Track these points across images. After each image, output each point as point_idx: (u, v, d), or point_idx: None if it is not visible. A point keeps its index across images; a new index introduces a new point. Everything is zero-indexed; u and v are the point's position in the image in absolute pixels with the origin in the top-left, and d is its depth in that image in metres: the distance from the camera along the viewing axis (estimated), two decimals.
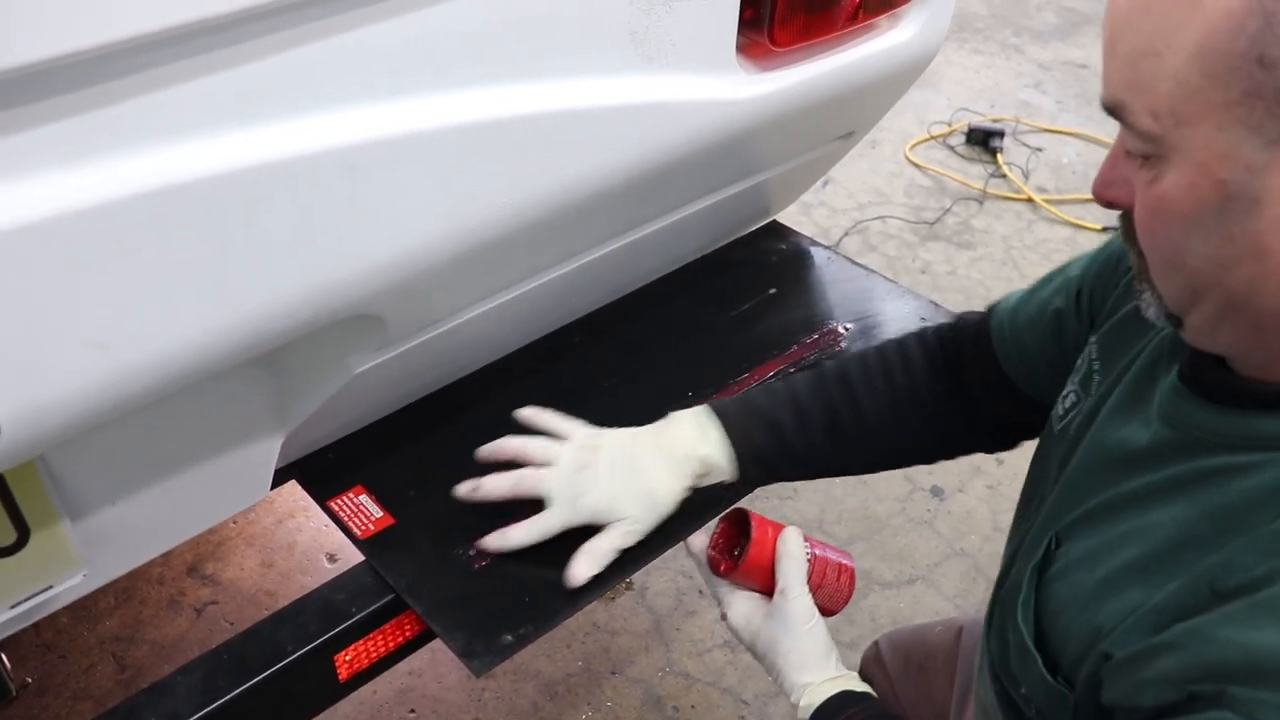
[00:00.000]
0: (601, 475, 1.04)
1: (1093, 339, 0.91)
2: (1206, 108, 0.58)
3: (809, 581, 0.99)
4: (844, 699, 0.92)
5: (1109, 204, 0.69)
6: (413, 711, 1.79)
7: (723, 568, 1.03)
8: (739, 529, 1.05)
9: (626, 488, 1.03)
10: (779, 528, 1.02)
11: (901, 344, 1.11)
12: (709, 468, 1.05)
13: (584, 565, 1.02)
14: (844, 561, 1.05)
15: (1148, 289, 0.70)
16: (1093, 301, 0.95)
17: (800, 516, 2.16)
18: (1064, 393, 0.92)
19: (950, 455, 1.13)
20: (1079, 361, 0.91)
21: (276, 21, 0.75)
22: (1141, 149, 0.63)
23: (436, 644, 1.05)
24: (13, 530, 0.88)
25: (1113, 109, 0.64)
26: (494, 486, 1.05)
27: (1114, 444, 0.80)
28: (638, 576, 2.01)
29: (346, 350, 1.02)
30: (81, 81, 0.68)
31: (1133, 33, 0.61)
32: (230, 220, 0.76)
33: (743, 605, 1.01)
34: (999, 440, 1.13)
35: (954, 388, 1.08)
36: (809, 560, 1.00)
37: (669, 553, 1.12)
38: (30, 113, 0.66)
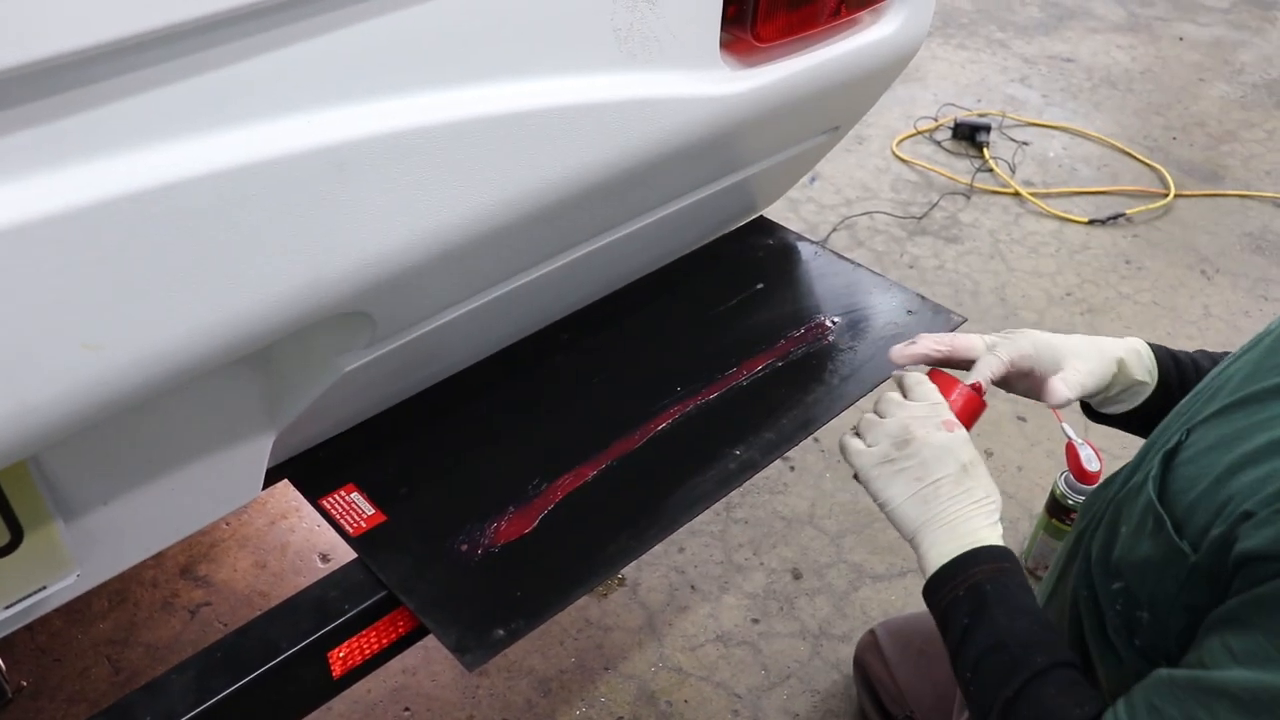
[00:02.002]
0: (1053, 339, 1.11)
1: None
2: None
3: None
4: (1006, 553, 0.94)
5: None
6: (408, 710, 1.80)
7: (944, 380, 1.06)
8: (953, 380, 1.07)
9: (1073, 340, 1.11)
10: None
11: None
12: (1145, 360, 1.12)
13: (1062, 388, 1.07)
14: None
15: None
16: None
17: (791, 510, 2.17)
18: None
19: None
20: None
21: (262, 22, 0.76)
22: None
23: (430, 642, 1.06)
24: (6, 531, 0.89)
25: None
26: (927, 340, 1.11)
27: (1261, 353, 0.87)
28: (630, 572, 2.02)
29: (336, 349, 1.03)
30: (70, 82, 0.68)
31: None
32: (220, 219, 0.77)
33: (965, 431, 1.02)
34: None
35: None
36: None
37: (660, 548, 1.13)
38: (19, 114, 0.67)
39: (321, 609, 1.04)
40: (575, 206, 1.07)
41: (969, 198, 3.22)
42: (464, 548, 1.08)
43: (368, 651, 1.07)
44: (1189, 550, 0.83)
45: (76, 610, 1.90)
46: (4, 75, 0.63)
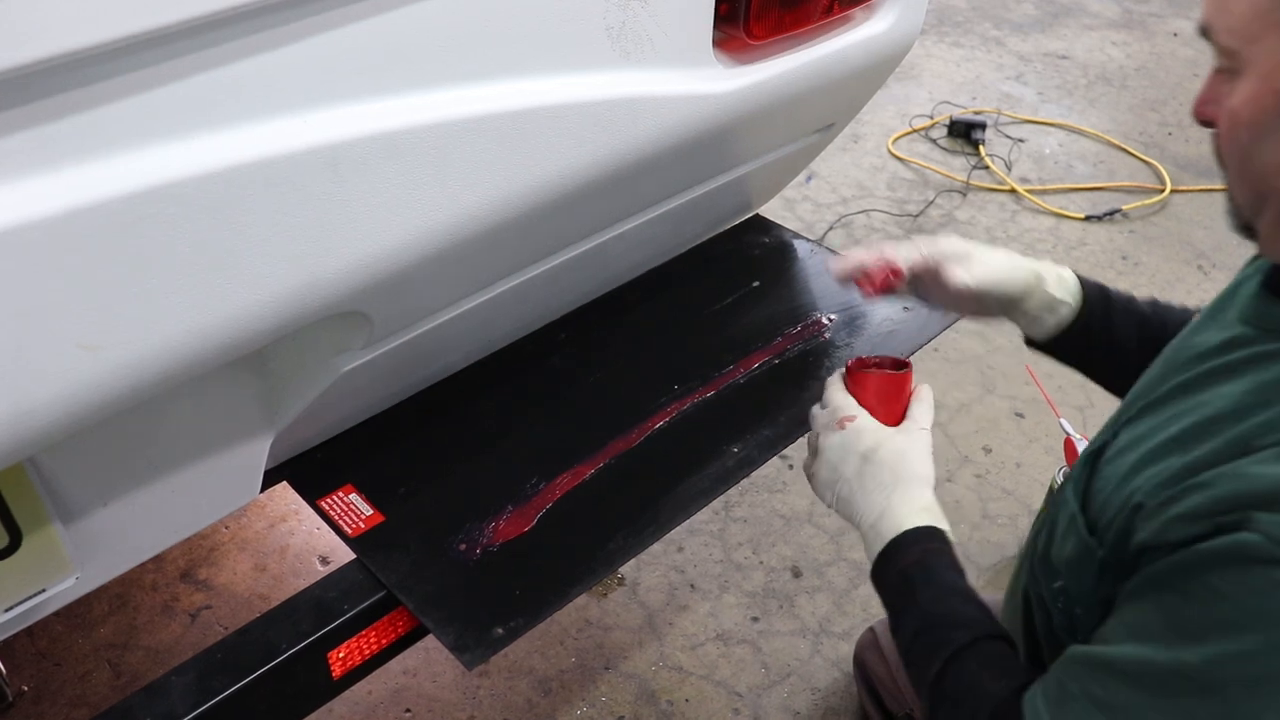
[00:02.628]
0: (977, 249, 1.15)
1: None
2: (1270, 25, 0.69)
3: None
4: (932, 533, 0.97)
5: (1205, 122, 0.78)
6: (408, 711, 1.80)
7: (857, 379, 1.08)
8: (880, 368, 1.10)
9: (989, 249, 1.15)
10: None
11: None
12: (1067, 283, 1.15)
13: (960, 274, 1.12)
14: None
15: (1229, 201, 0.79)
16: None
17: (789, 508, 2.17)
18: None
19: None
20: None
21: (256, 23, 0.76)
22: (1223, 64, 0.74)
23: (430, 643, 1.06)
24: (4, 534, 0.89)
25: (1203, 30, 0.75)
26: (855, 254, 1.17)
27: (1186, 348, 0.89)
28: (630, 572, 2.02)
29: (333, 349, 1.03)
30: (66, 83, 0.68)
31: None
32: (216, 218, 0.77)
33: (868, 418, 1.05)
34: None
35: None
36: None
37: (659, 547, 1.13)
38: (16, 115, 0.67)
39: (320, 609, 1.04)
40: (570, 205, 1.07)
41: (965, 195, 3.22)
42: (463, 547, 1.08)
43: (367, 652, 1.07)
44: (1097, 546, 0.85)
45: (77, 614, 1.90)
46: (2, 75, 0.64)
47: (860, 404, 1.06)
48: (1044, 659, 0.96)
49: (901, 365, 1.10)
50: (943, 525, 0.98)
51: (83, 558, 0.98)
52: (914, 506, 0.98)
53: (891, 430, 1.04)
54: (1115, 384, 1.18)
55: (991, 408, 2.46)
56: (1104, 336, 1.14)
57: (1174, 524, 0.74)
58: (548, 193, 1.03)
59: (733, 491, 1.18)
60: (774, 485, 2.22)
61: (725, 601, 1.98)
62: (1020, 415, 2.41)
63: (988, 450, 2.34)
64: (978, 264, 1.13)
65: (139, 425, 0.94)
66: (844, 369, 1.10)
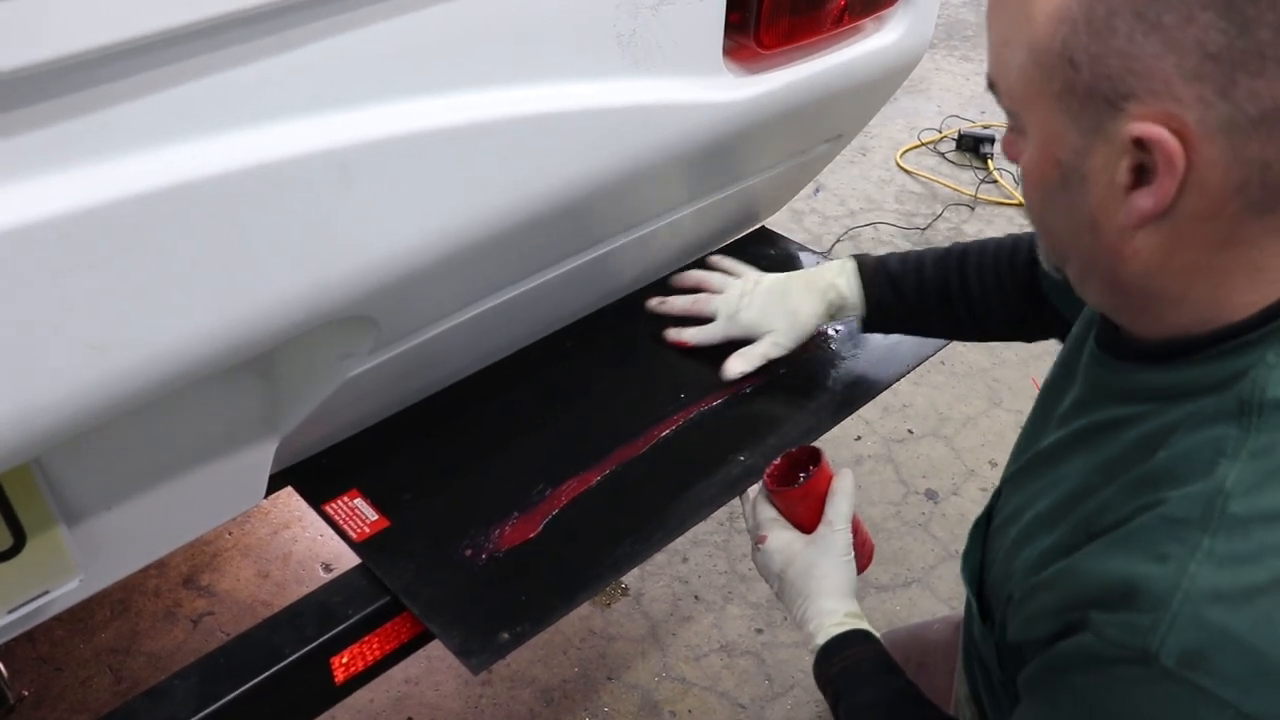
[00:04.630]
0: (757, 299, 1.30)
1: None
2: (1040, 95, 0.66)
3: None
4: (856, 636, 1.00)
5: (1013, 159, 0.75)
6: (410, 719, 1.80)
7: (774, 490, 1.09)
8: (799, 466, 1.11)
9: (777, 308, 1.28)
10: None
11: (1015, 241, 1.19)
12: (844, 300, 1.25)
13: (737, 364, 1.29)
14: (868, 535, 1.14)
15: (1038, 244, 0.77)
16: None
17: None
18: None
19: (1032, 340, 1.23)
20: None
21: (267, 25, 0.76)
22: (1009, 122, 0.72)
23: (433, 651, 1.06)
24: (9, 535, 0.89)
25: (989, 85, 0.72)
26: (676, 302, 1.38)
27: (1051, 403, 0.87)
28: (634, 582, 2.01)
29: (339, 353, 1.03)
30: (75, 84, 0.68)
31: (994, 24, 0.69)
32: (226, 220, 0.77)
33: (784, 532, 1.08)
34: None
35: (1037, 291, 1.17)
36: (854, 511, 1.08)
37: (663, 557, 1.13)
38: (24, 115, 0.67)
39: (324, 614, 1.04)
40: (579, 212, 1.07)
41: (973, 209, 3.23)
42: (468, 552, 1.08)
43: (370, 658, 1.06)
44: (989, 633, 0.85)
45: (78, 619, 1.90)
46: (11, 75, 0.64)
47: (780, 512, 1.10)
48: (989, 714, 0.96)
49: (815, 459, 1.10)
50: (860, 627, 1.01)
51: (86, 560, 0.97)
52: (826, 622, 1.01)
53: (801, 544, 1.06)
54: (973, 334, 1.25)
55: (998, 421, 2.46)
56: (910, 306, 1.22)
57: (1033, 622, 0.74)
58: (556, 199, 1.02)
59: (737, 501, 1.18)
60: None
61: (729, 612, 1.98)
62: None
63: (993, 464, 2.33)
64: (761, 345, 1.28)
65: (144, 427, 0.94)
66: (764, 479, 1.11)
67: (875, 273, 1.23)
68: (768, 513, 1.11)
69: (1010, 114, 0.71)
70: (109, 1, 0.66)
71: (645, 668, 1.89)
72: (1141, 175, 0.63)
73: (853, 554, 1.06)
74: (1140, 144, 0.61)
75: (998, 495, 0.92)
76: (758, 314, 1.28)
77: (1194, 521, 0.63)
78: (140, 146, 0.73)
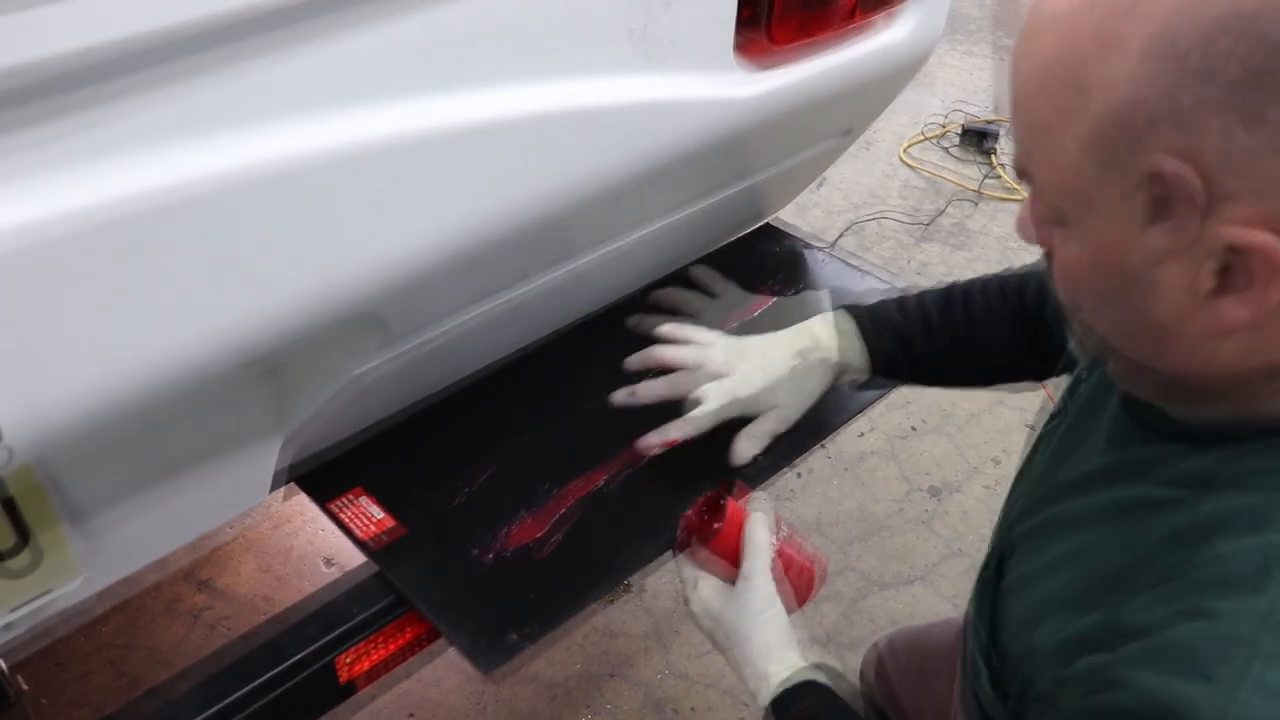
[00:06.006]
0: (753, 373, 1.13)
1: None
2: (1100, 192, 0.59)
3: (772, 572, 0.99)
4: (794, 693, 0.92)
5: (1043, 246, 0.69)
6: (412, 716, 1.79)
7: (690, 545, 1.04)
8: (715, 510, 1.04)
9: (779, 384, 1.13)
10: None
11: (1019, 280, 1.13)
12: (847, 368, 1.14)
13: (746, 445, 1.13)
14: (806, 562, 1.05)
15: (1070, 331, 0.71)
16: None
17: (798, 517, 2.15)
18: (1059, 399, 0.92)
19: (1044, 378, 1.16)
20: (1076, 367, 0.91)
21: (274, 24, 0.75)
22: (1049, 216, 0.64)
23: (435, 647, 1.05)
24: (13, 534, 0.88)
25: (1020, 174, 0.65)
26: (649, 390, 1.16)
27: (1068, 462, 0.81)
28: (637, 579, 2.00)
29: (346, 351, 1.02)
30: (79, 85, 0.67)
31: (1029, 106, 0.62)
32: (232, 222, 0.76)
33: (705, 589, 1.02)
34: None
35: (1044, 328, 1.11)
36: (775, 549, 1.00)
37: (667, 554, 1.12)
38: (29, 116, 0.66)
39: (329, 614, 1.03)
40: (589, 209, 1.06)
41: (977, 204, 3.21)
42: (475, 552, 1.07)
43: (376, 657, 1.06)
44: (1001, 699, 0.79)
45: (78, 613, 1.89)
46: (14, 76, 0.63)
47: (701, 566, 1.04)
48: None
49: (723, 503, 1.04)
50: (797, 681, 0.93)
51: (90, 559, 0.96)
52: (761, 687, 0.94)
53: (721, 603, 1.00)
54: (972, 380, 1.19)
55: (1002, 418, 2.45)
56: (917, 359, 1.14)
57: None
58: (565, 197, 1.01)
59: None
60: (783, 494, 2.21)
61: None
62: (1031, 427, 2.39)
63: (997, 462, 2.33)
64: (764, 421, 1.14)
65: (149, 426, 0.93)
66: (678, 534, 1.07)
67: (876, 327, 1.15)
68: (687, 570, 1.04)
69: (1052, 208, 0.63)
70: (115, 1, 0.65)
71: (648, 665, 1.88)
72: (1225, 277, 0.57)
73: (777, 603, 0.98)
74: (1233, 249, 0.55)
75: (1006, 547, 0.85)
76: (761, 391, 1.13)
77: (1243, 641, 0.57)
78: (146, 147, 0.72)
